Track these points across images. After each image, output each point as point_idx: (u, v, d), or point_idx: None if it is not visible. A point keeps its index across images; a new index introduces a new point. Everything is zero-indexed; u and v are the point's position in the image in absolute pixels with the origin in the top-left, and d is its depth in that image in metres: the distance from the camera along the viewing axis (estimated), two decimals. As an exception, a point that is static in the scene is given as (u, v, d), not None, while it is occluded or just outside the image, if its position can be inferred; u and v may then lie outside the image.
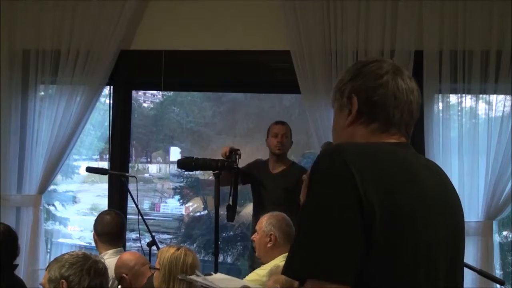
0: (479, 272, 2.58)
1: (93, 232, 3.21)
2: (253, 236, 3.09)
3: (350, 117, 1.27)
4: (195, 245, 6.31)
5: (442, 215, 1.20)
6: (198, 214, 6.90)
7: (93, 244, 3.28)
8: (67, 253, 2.17)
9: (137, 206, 3.34)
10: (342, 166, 1.09)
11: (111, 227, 3.17)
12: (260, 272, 2.85)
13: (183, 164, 3.38)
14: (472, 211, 3.43)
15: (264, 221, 3.00)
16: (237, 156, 3.41)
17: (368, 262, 1.06)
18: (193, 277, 2.31)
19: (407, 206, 1.12)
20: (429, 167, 1.26)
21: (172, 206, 7.15)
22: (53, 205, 5.11)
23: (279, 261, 2.80)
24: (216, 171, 3.26)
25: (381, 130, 1.25)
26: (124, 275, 2.80)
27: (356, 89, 1.26)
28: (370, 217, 1.06)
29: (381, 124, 1.25)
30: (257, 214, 3.45)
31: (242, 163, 3.57)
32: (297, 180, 3.54)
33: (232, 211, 3.31)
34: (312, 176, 1.14)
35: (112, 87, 4.10)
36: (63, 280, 2.06)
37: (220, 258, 6.43)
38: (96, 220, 3.21)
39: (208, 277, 2.31)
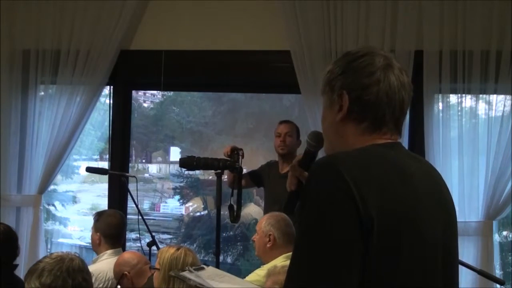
0: (479, 272, 2.59)
1: (95, 232, 3.19)
2: (254, 236, 3.08)
3: (340, 114, 1.25)
4: (195, 245, 6.31)
5: (437, 215, 1.20)
6: (198, 214, 6.90)
7: (94, 244, 3.28)
8: (38, 261, 2.05)
9: (137, 206, 3.34)
10: (338, 178, 1.08)
11: (117, 229, 3.22)
12: (260, 273, 2.85)
13: (185, 163, 3.36)
14: (472, 211, 3.43)
15: (263, 222, 3.01)
16: (240, 156, 3.40)
17: (368, 264, 1.06)
18: (186, 273, 2.27)
19: (405, 210, 1.12)
20: (421, 167, 1.26)
21: (172, 206, 7.14)
22: (53, 205, 5.11)
23: (279, 261, 2.80)
24: (218, 171, 3.25)
25: (372, 129, 1.23)
26: (126, 272, 2.81)
27: (347, 85, 1.24)
28: (369, 224, 1.06)
29: (372, 123, 1.23)
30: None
31: (242, 163, 3.56)
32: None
33: (233, 212, 3.30)
34: (307, 190, 1.13)
35: (112, 87, 4.10)
36: None
37: (220, 258, 6.42)
38: (99, 221, 3.20)
39: (201, 273, 2.26)
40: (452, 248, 1.24)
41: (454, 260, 1.26)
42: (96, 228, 3.20)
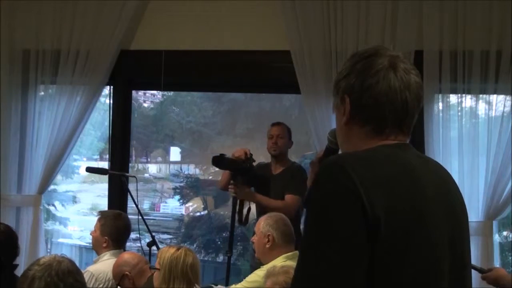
0: (480, 271, 2.61)
1: (101, 235, 3.17)
2: (253, 237, 3.09)
3: (344, 118, 1.24)
4: (195, 245, 6.31)
5: (445, 216, 1.19)
6: (198, 214, 6.90)
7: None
8: (27, 269, 2.02)
9: (137, 206, 3.34)
10: (345, 178, 1.08)
11: (125, 233, 3.24)
12: (260, 273, 2.84)
13: (217, 162, 3.48)
14: (472, 211, 3.43)
15: (262, 222, 3.01)
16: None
17: (374, 264, 1.06)
18: None
19: (412, 210, 1.11)
20: (429, 167, 1.25)
21: (172, 206, 7.14)
22: (53, 205, 5.12)
23: (279, 262, 2.80)
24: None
25: (375, 132, 1.22)
26: (127, 272, 2.81)
27: (349, 89, 1.23)
28: (376, 224, 1.05)
29: (374, 127, 1.22)
30: (260, 216, 3.46)
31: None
32: (297, 179, 3.56)
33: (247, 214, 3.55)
34: (313, 190, 1.12)
35: (112, 87, 4.10)
36: None
37: (220, 258, 6.44)
38: (106, 224, 3.17)
39: None
40: (463, 250, 1.23)
41: (465, 260, 1.24)
42: (103, 231, 3.17)
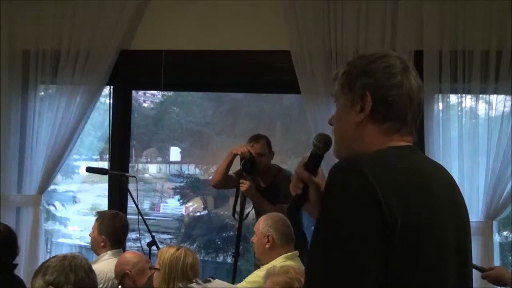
0: (480, 270, 2.61)
1: (99, 235, 3.18)
2: (252, 238, 3.09)
3: (362, 114, 1.23)
4: (195, 245, 6.32)
5: (452, 217, 1.21)
6: (198, 214, 6.91)
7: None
8: (44, 261, 2.15)
9: (137, 206, 3.35)
10: (364, 182, 1.07)
11: (123, 233, 3.25)
12: (260, 274, 2.84)
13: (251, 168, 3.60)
14: (472, 211, 3.43)
15: (262, 223, 3.01)
16: None
17: (388, 266, 1.06)
18: (194, 285, 2.33)
19: (424, 212, 1.12)
20: (436, 170, 1.27)
21: (172, 206, 7.15)
22: (53, 205, 5.11)
23: (278, 262, 2.80)
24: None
25: (394, 130, 1.23)
26: (127, 271, 2.81)
27: (369, 86, 1.23)
28: (393, 227, 1.06)
29: (394, 124, 1.23)
30: (259, 216, 3.47)
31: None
32: (286, 188, 3.53)
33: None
34: (331, 194, 1.11)
35: (112, 87, 4.10)
36: (51, 287, 2.04)
37: (220, 258, 6.44)
38: (104, 224, 3.18)
39: (208, 285, 2.32)
40: (466, 250, 1.25)
41: (468, 262, 1.26)
42: (100, 230, 3.18)
